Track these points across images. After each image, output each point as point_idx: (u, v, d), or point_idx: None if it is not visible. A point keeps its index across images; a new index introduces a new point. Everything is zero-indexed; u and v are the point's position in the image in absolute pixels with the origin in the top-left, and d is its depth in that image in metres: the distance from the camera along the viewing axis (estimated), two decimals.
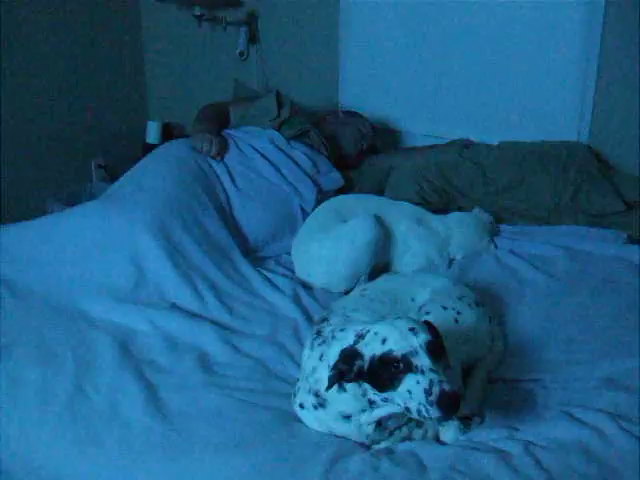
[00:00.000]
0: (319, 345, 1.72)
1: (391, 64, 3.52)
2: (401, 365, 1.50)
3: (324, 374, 1.63)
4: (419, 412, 1.48)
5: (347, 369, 1.55)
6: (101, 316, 2.17)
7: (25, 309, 2.19)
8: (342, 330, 1.68)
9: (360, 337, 1.58)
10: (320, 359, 1.68)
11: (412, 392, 1.48)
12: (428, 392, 1.46)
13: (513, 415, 1.75)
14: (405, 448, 1.65)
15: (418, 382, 1.48)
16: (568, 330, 2.15)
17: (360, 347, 1.56)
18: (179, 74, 4.06)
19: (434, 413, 1.46)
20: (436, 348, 1.54)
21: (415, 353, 1.50)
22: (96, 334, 2.08)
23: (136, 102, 4.12)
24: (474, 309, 2.03)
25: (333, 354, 1.62)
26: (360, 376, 1.56)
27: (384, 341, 1.53)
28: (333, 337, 1.68)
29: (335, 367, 1.57)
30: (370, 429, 1.65)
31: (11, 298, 2.22)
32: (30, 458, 1.70)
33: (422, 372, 1.48)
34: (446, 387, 1.46)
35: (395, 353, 1.51)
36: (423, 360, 1.50)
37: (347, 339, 1.62)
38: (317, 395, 1.67)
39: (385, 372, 1.52)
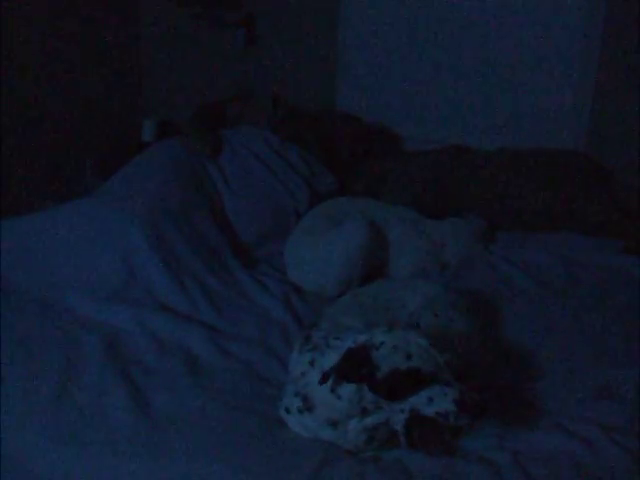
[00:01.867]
0: (309, 351, 1.70)
1: (389, 67, 3.51)
2: (426, 381, 1.54)
3: (315, 379, 1.61)
4: (446, 418, 1.52)
5: (351, 370, 1.55)
6: (89, 314, 2.15)
7: (14, 305, 2.18)
8: (337, 338, 1.66)
9: (372, 347, 1.56)
10: (311, 365, 1.66)
11: (434, 400, 1.52)
12: (458, 402, 1.50)
13: (502, 424, 1.73)
14: (392, 456, 1.63)
15: (446, 394, 1.52)
16: (560, 339, 2.14)
17: (376, 358, 1.55)
18: (176, 73, 4.04)
19: (465, 420, 1.52)
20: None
21: (440, 370, 1.54)
22: (83, 333, 2.06)
23: (132, 100, 4.11)
24: (466, 316, 2.02)
25: (329, 363, 1.60)
26: (368, 382, 1.55)
27: (409, 357, 1.54)
28: (328, 345, 1.66)
29: (338, 366, 1.55)
30: (361, 440, 1.64)
31: (0, 293, 2.21)
32: (13, 456, 1.69)
33: (448, 385, 1.53)
34: (475, 396, 1.52)
35: (424, 371, 1.53)
36: (447, 375, 1.55)
37: (345, 348, 1.59)
38: (305, 399, 1.65)
39: (406, 386, 1.54)
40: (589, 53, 3.08)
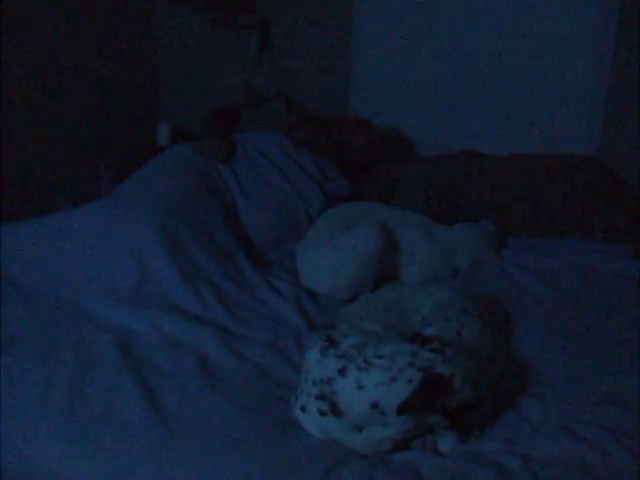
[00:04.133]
0: (337, 357, 1.69)
1: (402, 73, 3.52)
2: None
3: (347, 389, 1.63)
4: None
5: (429, 401, 1.60)
6: (102, 316, 2.16)
7: (28, 306, 2.19)
8: (381, 357, 1.66)
9: (444, 378, 1.60)
10: (341, 373, 1.66)
11: None
12: None
13: (513, 429, 1.74)
14: (402, 457, 1.64)
15: None
16: (571, 345, 2.13)
17: (449, 389, 1.61)
18: (191, 77, 4.07)
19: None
20: None
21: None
22: (97, 334, 2.08)
23: (147, 104, 4.13)
24: (477, 321, 2.01)
25: (374, 381, 1.62)
26: (443, 413, 1.61)
27: (475, 388, 1.63)
28: (367, 361, 1.66)
29: (415, 397, 1.59)
30: (384, 447, 1.66)
31: (15, 295, 2.23)
32: (26, 456, 1.70)
33: None
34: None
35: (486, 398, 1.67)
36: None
37: (395, 369, 1.62)
38: (334, 405, 1.65)
39: (471, 412, 1.65)
40: (603, 57, 3.07)
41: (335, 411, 1.65)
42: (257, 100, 3.42)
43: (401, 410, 1.59)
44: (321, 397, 1.67)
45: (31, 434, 1.72)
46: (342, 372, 1.66)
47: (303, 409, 1.71)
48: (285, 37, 3.75)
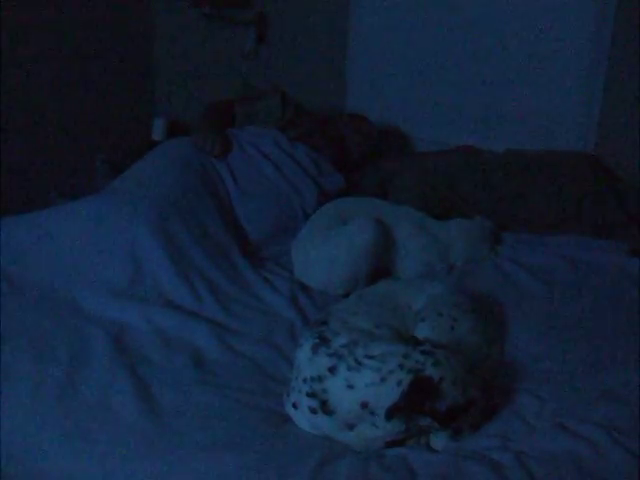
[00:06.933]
0: (328, 355, 1.69)
1: (399, 68, 3.51)
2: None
3: (338, 388, 1.64)
4: None
5: (417, 403, 1.59)
6: (96, 311, 2.15)
7: (22, 301, 2.18)
8: (371, 357, 1.66)
9: (433, 380, 1.60)
10: (331, 372, 1.66)
11: None
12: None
13: (506, 425, 1.73)
14: (396, 453, 1.64)
15: None
16: (566, 341, 2.14)
17: (439, 392, 1.60)
18: (187, 72, 4.06)
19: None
20: None
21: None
22: (90, 329, 2.06)
23: (143, 99, 4.12)
24: (471, 316, 2.02)
25: (364, 382, 1.62)
26: (431, 415, 1.60)
27: (465, 391, 1.62)
28: (357, 361, 1.66)
29: (404, 399, 1.59)
30: (376, 445, 1.66)
31: (8, 290, 2.21)
32: (18, 451, 1.69)
33: None
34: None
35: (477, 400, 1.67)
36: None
37: (385, 370, 1.62)
38: (324, 403, 1.65)
39: (462, 415, 1.64)
40: (599, 54, 3.07)
41: (325, 409, 1.65)
42: (253, 95, 3.41)
43: (389, 415, 1.59)
44: (312, 395, 1.67)
45: (23, 429, 1.71)
46: (332, 371, 1.66)
47: (295, 406, 1.72)
48: (282, 32, 3.74)
